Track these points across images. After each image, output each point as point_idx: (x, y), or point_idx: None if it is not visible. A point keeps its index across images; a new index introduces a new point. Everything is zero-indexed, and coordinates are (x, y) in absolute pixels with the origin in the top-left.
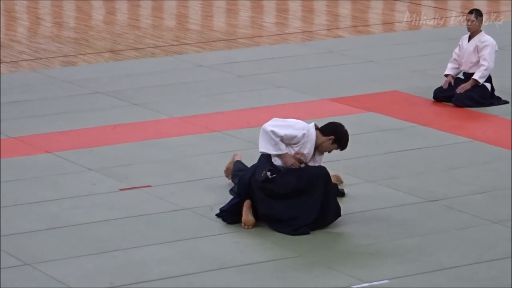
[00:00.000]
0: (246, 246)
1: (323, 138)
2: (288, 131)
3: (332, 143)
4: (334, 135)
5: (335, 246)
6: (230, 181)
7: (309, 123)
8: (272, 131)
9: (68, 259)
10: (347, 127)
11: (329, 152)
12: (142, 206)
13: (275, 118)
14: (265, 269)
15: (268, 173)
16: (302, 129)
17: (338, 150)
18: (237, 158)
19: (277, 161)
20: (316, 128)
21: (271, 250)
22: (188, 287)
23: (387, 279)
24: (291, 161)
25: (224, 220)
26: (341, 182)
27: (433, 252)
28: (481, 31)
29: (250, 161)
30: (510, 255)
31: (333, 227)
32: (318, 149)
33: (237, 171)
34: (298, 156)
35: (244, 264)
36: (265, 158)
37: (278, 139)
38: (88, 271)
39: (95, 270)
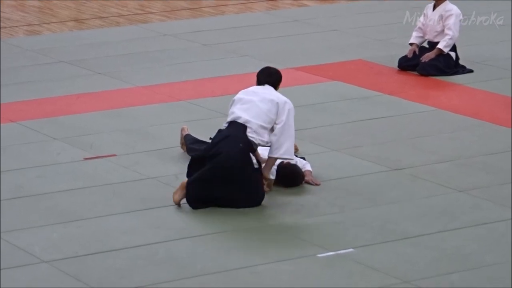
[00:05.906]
0: (212, 215)
1: None
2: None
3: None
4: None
5: (300, 215)
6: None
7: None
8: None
9: (33, 229)
10: (312, 96)
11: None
12: (106, 176)
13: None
14: (230, 238)
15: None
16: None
17: None
18: (185, 132)
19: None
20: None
21: (236, 219)
22: (153, 256)
23: (352, 248)
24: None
25: None
26: (297, 150)
27: (399, 221)
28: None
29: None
30: (475, 224)
31: (298, 196)
32: None
33: (190, 144)
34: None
35: (209, 233)
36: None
37: None
38: (53, 240)
39: (60, 239)
